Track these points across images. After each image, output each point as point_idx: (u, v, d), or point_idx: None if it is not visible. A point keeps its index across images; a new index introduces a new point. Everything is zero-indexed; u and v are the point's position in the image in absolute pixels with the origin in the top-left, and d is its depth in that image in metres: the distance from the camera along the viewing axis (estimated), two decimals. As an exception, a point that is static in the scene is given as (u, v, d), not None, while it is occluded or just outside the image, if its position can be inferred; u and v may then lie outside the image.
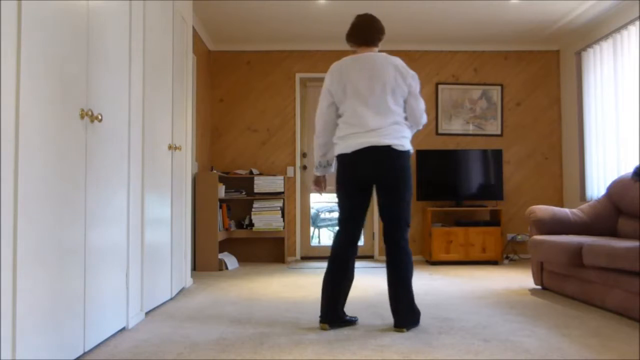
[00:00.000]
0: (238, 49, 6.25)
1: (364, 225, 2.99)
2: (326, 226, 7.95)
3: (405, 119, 2.89)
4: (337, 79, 2.88)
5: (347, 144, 2.81)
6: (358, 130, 2.79)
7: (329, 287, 2.82)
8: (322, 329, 2.77)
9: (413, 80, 2.88)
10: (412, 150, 2.91)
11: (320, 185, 3.10)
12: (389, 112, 2.80)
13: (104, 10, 2.50)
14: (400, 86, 2.83)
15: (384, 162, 2.78)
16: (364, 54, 2.93)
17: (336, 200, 2.95)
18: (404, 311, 2.76)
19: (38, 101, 1.88)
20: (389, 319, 2.99)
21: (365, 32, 2.98)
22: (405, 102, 2.88)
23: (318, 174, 3.06)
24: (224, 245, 5.97)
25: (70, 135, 2.13)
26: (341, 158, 2.86)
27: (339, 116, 2.92)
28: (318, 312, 3.18)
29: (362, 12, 5.45)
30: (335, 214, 7.84)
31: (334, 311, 2.81)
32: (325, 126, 2.94)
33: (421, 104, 2.91)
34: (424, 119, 2.94)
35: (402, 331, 2.72)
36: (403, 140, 2.82)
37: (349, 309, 3.30)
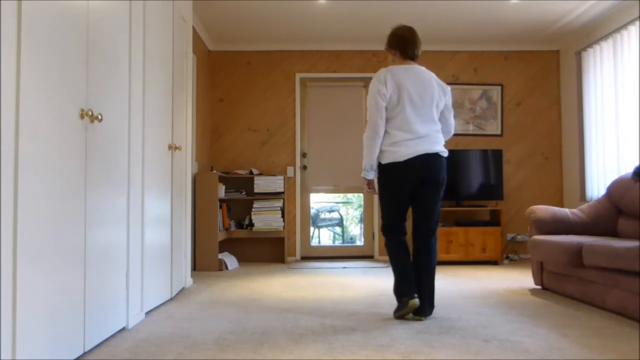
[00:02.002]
0: (238, 49, 6.25)
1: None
2: (326, 226, 7.95)
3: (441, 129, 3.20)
4: (393, 85, 3.05)
5: (399, 153, 3.02)
6: (410, 137, 3.03)
7: (407, 267, 3.08)
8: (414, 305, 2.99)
9: (449, 95, 3.21)
10: None
11: (373, 187, 3.23)
12: (433, 122, 3.11)
13: (104, 10, 2.50)
14: (442, 99, 3.15)
15: (434, 166, 3.05)
16: (413, 66, 3.14)
17: (381, 203, 3.19)
18: (426, 301, 3.00)
19: (38, 101, 1.88)
20: (389, 319, 2.99)
21: (415, 47, 3.17)
22: (441, 114, 3.18)
23: (370, 177, 3.15)
24: (224, 245, 5.97)
25: (70, 135, 2.13)
26: (391, 166, 3.05)
27: (386, 120, 3.09)
28: (318, 312, 3.18)
29: (362, 12, 5.49)
30: (336, 214, 7.85)
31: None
32: (377, 130, 3.06)
33: (452, 116, 3.26)
34: (453, 130, 3.30)
35: (420, 319, 2.98)
36: (443, 147, 3.13)
37: (350, 308, 3.31)
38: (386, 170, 3.07)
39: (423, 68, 3.16)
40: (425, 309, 3.00)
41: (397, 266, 3.08)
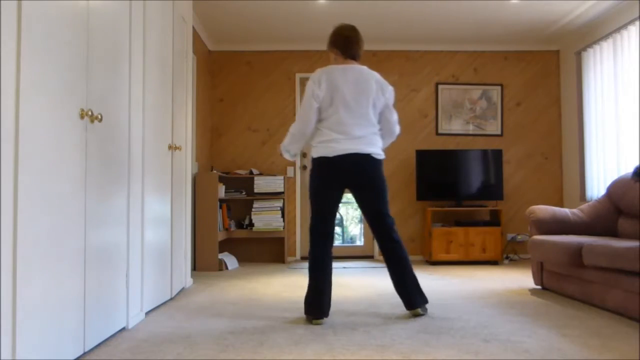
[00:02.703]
0: (238, 49, 6.25)
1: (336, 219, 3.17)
2: (326, 226, 7.93)
3: (380, 130, 3.14)
4: (327, 86, 3.02)
5: (330, 149, 2.99)
6: (342, 137, 2.99)
7: (319, 282, 2.97)
8: (318, 324, 2.89)
9: (390, 94, 3.14)
10: (384, 158, 3.14)
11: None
12: (370, 123, 3.05)
13: (104, 10, 2.50)
14: (380, 99, 3.09)
15: (363, 167, 3.01)
16: (351, 65, 3.11)
17: (310, 200, 3.12)
18: (413, 292, 3.03)
19: (38, 101, 1.88)
20: (389, 319, 2.99)
21: (355, 47, 3.13)
22: (380, 114, 3.12)
23: (288, 158, 3.26)
24: (224, 245, 5.97)
25: (70, 135, 2.13)
26: (321, 160, 3.02)
27: (319, 120, 3.07)
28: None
29: (361, 12, 5.49)
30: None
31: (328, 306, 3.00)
32: (305, 129, 3.08)
33: (395, 116, 3.18)
34: (397, 129, 3.21)
35: (417, 313, 3.01)
36: (379, 149, 3.09)
37: (350, 308, 3.31)
38: (316, 165, 3.05)
39: (363, 68, 3.11)
40: (416, 301, 3.01)
41: (312, 278, 2.98)
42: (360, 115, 3.02)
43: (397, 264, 3.05)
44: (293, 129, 3.11)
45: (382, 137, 3.16)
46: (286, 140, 3.16)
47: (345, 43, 3.11)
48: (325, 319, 2.93)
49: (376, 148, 3.05)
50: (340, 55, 3.12)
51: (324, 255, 3.02)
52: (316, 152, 3.04)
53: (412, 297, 3.03)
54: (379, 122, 3.13)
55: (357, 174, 3.01)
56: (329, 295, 2.98)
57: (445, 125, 6.28)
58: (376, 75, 3.12)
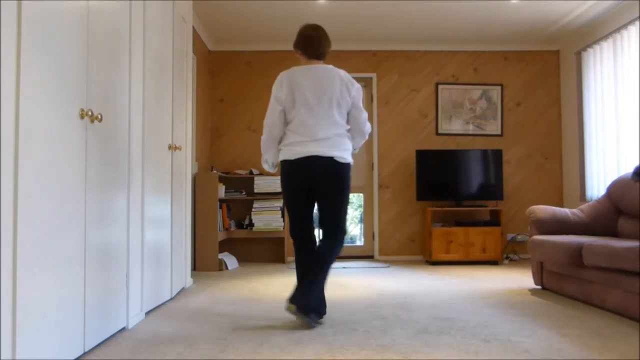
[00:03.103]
0: (238, 49, 6.25)
1: (312, 221, 3.11)
2: (326, 226, 7.94)
3: (348, 130, 3.02)
4: (287, 88, 2.97)
5: (293, 151, 2.94)
6: (304, 139, 2.92)
7: (309, 280, 2.86)
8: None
9: (357, 92, 3.02)
10: (352, 162, 3.03)
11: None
12: (334, 124, 2.94)
13: (104, 10, 2.50)
14: (345, 99, 2.97)
15: (325, 171, 2.91)
16: (314, 65, 3.04)
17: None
18: (310, 293, 2.80)
19: (38, 101, 1.88)
20: (389, 319, 2.99)
21: (317, 46, 3.04)
22: (348, 113, 3.01)
23: (269, 169, 3.19)
24: (224, 245, 5.96)
25: (70, 135, 2.13)
26: (285, 163, 2.99)
27: (286, 124, 3.03)
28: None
29: (361, 12, 5.48)
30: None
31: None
32: (272, 133, 3.04)
33: (363, 115, 3.05)
34: (367, 128, 3.09)
35: (290, 308, 2.75)
36: (345, 152, 2.96)
37: (350, 308, 3.31)
38: (282, 168, 3.03)
39: (327, 67, 3.02)
40: (299, 297, 2.76)
41: (298, 277, 3.00)
42: (323, 116, 2.92)
43: (313, 259, 2.93)
44: (262, 136, 3.07)
45: (353, 137, 3.05)
46: (262, 150, 3.12)
47: (306, 43, 3.04)
48: (292, 307, 2.77)
49: (340, 151, 2.93)
50: (304, 56, 3.06)
51: (307, 256, 3.00)
52: (281, 155, 3.00)
53: (302, 297, 2.79)
54: (349, 122, 3.02)
55: (318, 177, 2.92)
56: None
57: (445, 125, 6.28)
58: (341, 73, 3.01)
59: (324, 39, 3.06)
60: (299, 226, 3.05)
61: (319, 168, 2.90)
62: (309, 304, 2.78)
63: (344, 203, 2.98)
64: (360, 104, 3.04)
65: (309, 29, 3.08)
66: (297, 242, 3.07)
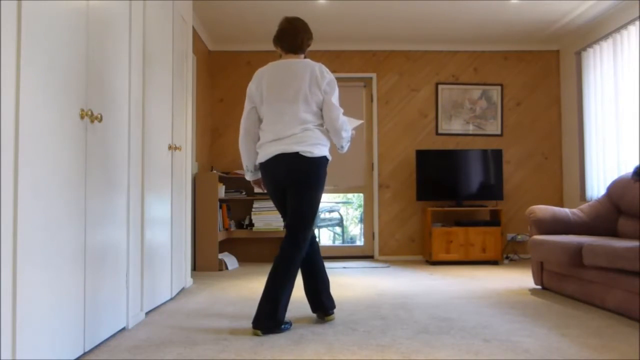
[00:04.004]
0: (238, 49, 6.25)
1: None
2: (326, 226, 7.95)
3: (321, 125, 2.88)
4: (256, 84, 2.91)
5: (264, 152, 2.86)
6: (272, 138, 2.82)
7: (274, 289, 2.71)
8: (255, 334, 2.65)
9: (328, 86, 2.84)
10: (328, 157, 2.88)
11: (259, 184, 3.09)
12: (300, 120, 2.79)
13: (104, 10, 2.50)
14: (315, 93, 2.81)
15: (291, 168, 2.79)
16: (284, 60, 2.92)
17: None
18: (328, 298, 2.97)
19: (38, 101, 1.88)
20: (389, 319, 2.99)
21: (291, 39, 2.92)
22: (321, 109, 2.85)
23: (249, 179, 3.06)
24: (224, 245, 5.96)
25: (70, 136, 2.13)
26: (260, 167, 2.93)
27: (260, 122, 2.95)
28: (318, 312, 3.18)
29: (361, 12, 5.48)
30: (336, 214, 7.86)
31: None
32: (246, 132, 2.96)
33: (335, 111, 2.84)
34: (340, 125, 2.85)
35: (332, 318, 2.94)
36: (313, 147, 2.78)
37: (350, 308, 3.31)
38: (260, 169, 2.96)
39: (298, 61, 2.88)
40: (328, 307, 2.92)
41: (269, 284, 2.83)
42: (289, 112, 2.79)
43: (314, 275, 2.95)
44: (239, 143, 2.99)
45: (331, 136, 2.89)
46: (243, 161, 3.02)
47: (280, 36, 2.94)
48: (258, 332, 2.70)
49: (306, 146, 2.75)
50: (280, 50, 2.96)
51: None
52: (258, 157, 2.92)
53: (325, 304, 2.94)
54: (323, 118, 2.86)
55: (285, 175, 2.80)
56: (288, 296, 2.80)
57: (445, 125, 6.27)
58: (315, 67, 2.84)
59: (301, 31, 2.92)
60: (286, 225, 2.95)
61: (285, 166, 2.78)
62: (333, 304, 2.97)
63: (310, 201, 2.80)
64: (332, 99, 2.83)
65: (285, 22, 2.97)
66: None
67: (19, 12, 1.76)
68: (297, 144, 2.76)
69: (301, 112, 2.79)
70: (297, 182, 2.80)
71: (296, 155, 2.75)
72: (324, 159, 2.84)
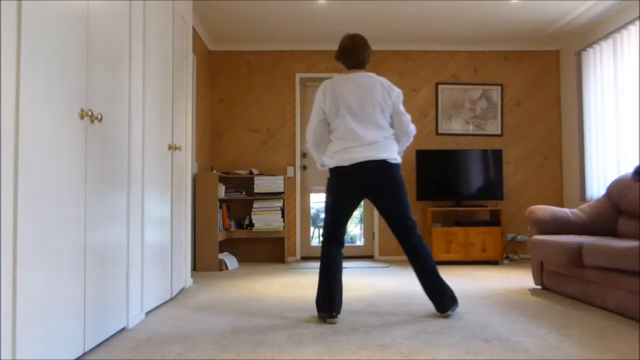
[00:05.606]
0: (238, 49, 6.25)
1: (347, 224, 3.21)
2: (326, 226, 7.94)
3: (393, 134, 3.14)
4: (330, 97, 3.09)
5: (344, 158, 3.03)
6: (354, 145, 3.02)
7: (330, 282, 3.00)
8: (332, 323, 2.91)
9: (397, 97, 3.13)
10: (400, 162, 3.15)
11: None
12: (379, 128, 3.06)
13: (104, 10, 2.50)
14: (388, 103, 3.09)
15: (380, 174, 3.03)
16: (354, 74, 3.16)
17: (325, 208, 3.17)
18: (439, 299, 3.04)
19: (38, 101, 1.88)
20: (389, 319, 2.99)
21: (355, 57, 3.16)
22: (391, 117, 3.13)
23: (322, 168, 3.31)
24: (224, 245, 5.97)
25: (70, 135, 2.13)
26: (338, 170, 3.08)
27: (330, 132, 3.16)
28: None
29: (361, 12, 5.48)
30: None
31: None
32: (317, 141, 3.19)
33: (406, 117, 3.16)
34: (411, 129, 3.17)
35: (447, 315, 3.02)
36: (394, 153, 3.08)
37: (350, 308, 3.30)
38: (333, 175, 3.11)
39: (367, 74, 3.14)
40: (445, 304, 3.02)
41: (321, 278, 3.04)
42: (369, 121, 3.04)
43: (420, 269, 3.05)
44: (307, 144, 3.23)
45: (399, 140, 3.16)
46: (313, 157, 3.29)
47: (344, 54, 3.18)
48: (337, 317, 2.95)
49: (390, 153, 3.05)
50: (344, 67, 3.21)
51: (336, 257, 3.06)
52: (332, 162, 3.09)
53: (439, 300, 3.03)
54: (392, 125, 3.14)
55: (374, 181, 3.02)
56: (339, 294, 3.01)
57: (445, 125, 6.27)
58: (381, 79, 3.14)
59: (361, 48, 3.16)
60: (336, 231, 3.09)
61: (373, 172, 3.01)
62: (452, 301, 3.06)
63: (404, 197, 3.07)
64: (402, 108, 3.15)
65: (346, 39, 3.20)
66: (327, 246, 3.08)
67: (19, 12, 1.76)
68: (382, 151, 3.02)
69: (380, 121, 3.07)
70: (388, 187, 3.04)
71: (384, 162, 3.02)
72: (400, 165, 3.14)
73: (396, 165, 3.06)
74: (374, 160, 2.99)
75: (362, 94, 3.06)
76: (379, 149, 3.01)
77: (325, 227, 3.12)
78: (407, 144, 3.21)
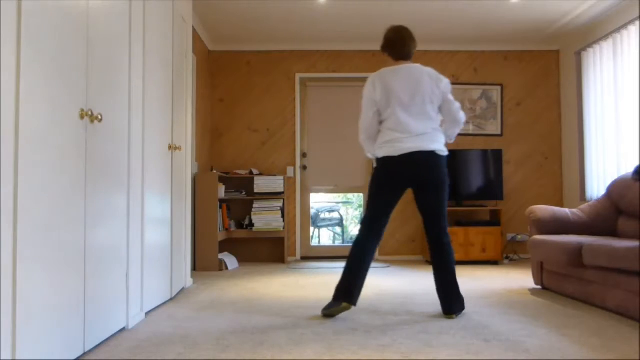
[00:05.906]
0: (238, 49, 6.25)
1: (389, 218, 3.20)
2: (326, 226, 7.95)
3: (440, 125, 3.19)
4: (381, 88, 3.12)
5: (394, 148, 3.06)
6: (404, 136, 3.06)
7: (355, 271, 3.05)
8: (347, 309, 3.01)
9: (446, 87, 3.18)
10: (447, 155, 3.20)
11: None
12: (429, 120, 3.11)
13: (104, 10, 2.50)
14: (436, 94, 3.14)
15: (428, 164, 3.06)
16: (402, 65, 3.19)
17: (368, 195, 3.19)
18: (452, 298, 3.05)
19: (38, 101, 1.88)
20: (389, 319, 2.99)
21: (401, 48, 3.20)
22: (440, 107, 3.18)
23: (372, 157, 3.34)
24: (224, 245, 5.97)
25: (70, 135, 2.13)
26: (386, 160, 3.10)
27: (380, 122, 3.18)
28: (318, 312, 3.18)
29: (361, 12, 5.48)
30: (336, 214, 7.85)
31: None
32: (370, 136, 3.21)
33: (456, 105, 3.21)
34: (461, 116, 3.22)
35: (451, 317, 3.01)
36: (442, 145, 3.13)
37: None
38: (381, 164, 3.13)
39: (415, 66, 3.17)
40: (453, 308, 3.03)
41: (347, 265, 3.08)
42: (418, 112, 3.08)
43: (440, 268, 3.09)
44: (360, 136, 3.24)
45: (447, 129, 3.21)
46: (364, 149, 3.30)
47: (391, 46, 3.21)
48: (352, 307, 3.00)
49: (439, 144, 3.09)
50: (391, 57, 3.24)
51: (370, 253, 3.09)
52: (381, 152, 3.11)
53: (448, 302, 3.05)
54: (442, 114, 3.19)
55: (422, 172, 3.05)
56: (360, 286, 3.05)
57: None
58: (429, 70, 3.17)
59: (408, 40, 3.19)
60: (376, 220, 3.11)
61: (423, 162, 3.04)
62: (460, 306, 3.08)
63: (446, 194, 3.11)
64: (451, 97, 3.19)
65: (392, 31, 3.23)
66: (365, 238, 3.10)
67: (19, 12, 1.76)
68: (432, 143, 3.06)
69: (429, 112, 3.11)
70: (430, 179, 3.06)
71: (433, 153, 3.05)
72: (447, 157, 3.18)
73: (444, 158, 3.11)
74: (423, 151, 3.03)
75: (412, 86, 3.09)
76: (428, 140, 3.05)
77: (365, 217, 3.15)
78: (457, 130, 3.24)
